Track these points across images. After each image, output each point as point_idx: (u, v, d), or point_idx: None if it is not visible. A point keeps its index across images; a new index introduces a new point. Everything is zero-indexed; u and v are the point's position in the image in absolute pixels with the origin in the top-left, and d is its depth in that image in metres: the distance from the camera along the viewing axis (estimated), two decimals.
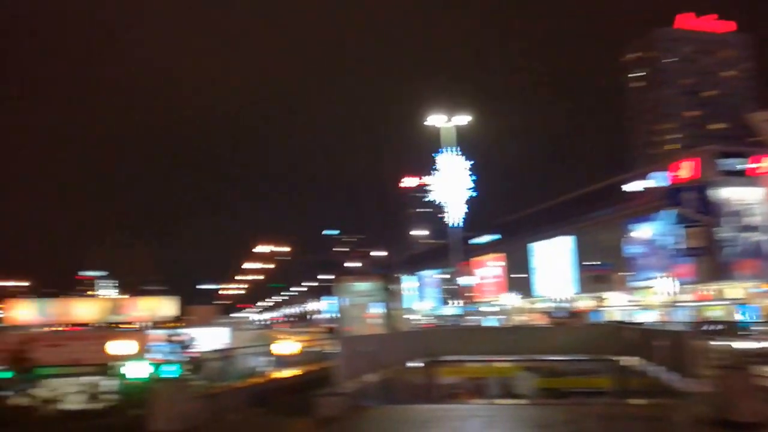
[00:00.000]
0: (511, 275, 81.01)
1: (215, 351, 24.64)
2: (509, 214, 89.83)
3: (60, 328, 38.39)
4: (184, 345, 29.13)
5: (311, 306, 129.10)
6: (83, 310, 42.42)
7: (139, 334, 32.01)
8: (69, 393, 17.97)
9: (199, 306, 44.24)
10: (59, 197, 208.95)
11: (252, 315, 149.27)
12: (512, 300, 75.21)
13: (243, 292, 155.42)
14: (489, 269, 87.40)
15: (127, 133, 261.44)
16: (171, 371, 20.30)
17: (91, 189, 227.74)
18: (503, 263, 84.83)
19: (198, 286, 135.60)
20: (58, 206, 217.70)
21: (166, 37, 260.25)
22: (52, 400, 16.67)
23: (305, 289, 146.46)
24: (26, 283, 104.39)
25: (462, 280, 66.98)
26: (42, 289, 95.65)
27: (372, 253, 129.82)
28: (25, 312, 40.31)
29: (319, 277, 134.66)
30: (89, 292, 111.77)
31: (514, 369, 25.70)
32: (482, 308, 77.45)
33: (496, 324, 60.63)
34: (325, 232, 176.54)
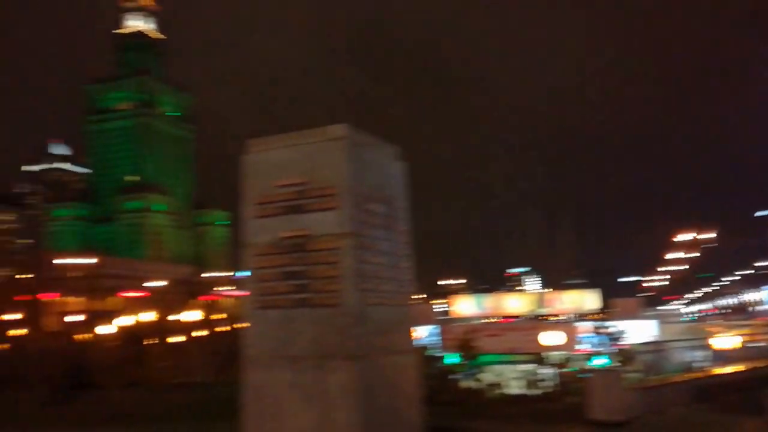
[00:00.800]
0: None
1: (645, 343, 24.11)
2: None
3: (494, 320, 42.14)
4: (613, 337, 29.10)
5: (749, 296, 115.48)
6: (513, 303, 45.91)
7: (568, 325, 33.19)
8: (510, 378, 19.71)
9: (622, 298, 43.62)
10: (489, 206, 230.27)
11: (679, 307, 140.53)
12: None
13: (666, 283, 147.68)
14: None
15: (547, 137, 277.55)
16: (601, 362, 20.59)
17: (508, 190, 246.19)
18: None
19: (619, 279, 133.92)
20: (486, 213, 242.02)
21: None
22: (497, 384, 18.46)
23: (738, 277, 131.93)
24: (463, 281, 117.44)
25: None
26: (477, 286, 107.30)
27: None
28: (465, 306, 45.60)
29: (756, 264, 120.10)
30: (517, 287, 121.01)
31: None
32: None
33: None
34: (758, 213, 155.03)
